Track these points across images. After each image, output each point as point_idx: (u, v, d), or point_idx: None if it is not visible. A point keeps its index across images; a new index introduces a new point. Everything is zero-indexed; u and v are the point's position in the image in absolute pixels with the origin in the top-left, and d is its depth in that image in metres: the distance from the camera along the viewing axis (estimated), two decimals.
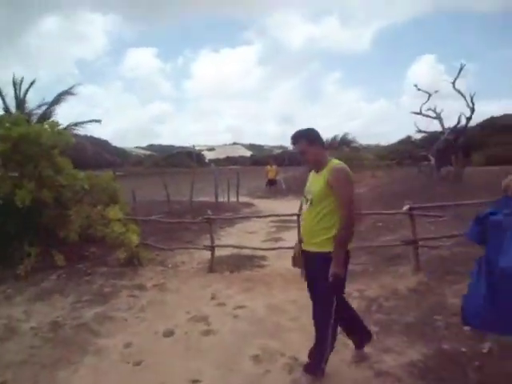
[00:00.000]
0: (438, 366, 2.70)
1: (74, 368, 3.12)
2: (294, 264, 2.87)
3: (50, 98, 14.66)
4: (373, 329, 3.49)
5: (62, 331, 3.74)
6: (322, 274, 2.47)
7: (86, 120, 15.12)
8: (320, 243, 2.51)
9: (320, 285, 2.54)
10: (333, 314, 2.54)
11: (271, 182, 18.55)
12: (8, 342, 3.51)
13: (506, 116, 38.79)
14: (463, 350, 2.86)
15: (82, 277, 5.28)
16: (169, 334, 3.65)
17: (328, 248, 2.46)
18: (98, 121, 15.48)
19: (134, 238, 5.70)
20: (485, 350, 2.81)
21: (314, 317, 2.68)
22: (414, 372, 2.72)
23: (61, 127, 6.95)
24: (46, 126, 6.68)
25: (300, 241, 2.78)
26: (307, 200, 2.59)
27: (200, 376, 2.91)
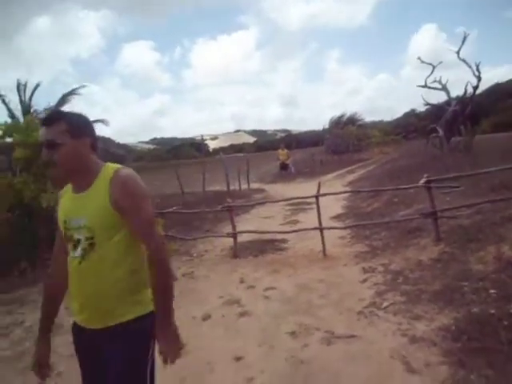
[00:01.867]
0: (470, 328, 2.82)
1: None
2: (40, 375, 1.59)
3: (48, 99, 14.78)
4: (400, 299, 3.65)
5: None
6: (136, 358, 1.44)
7: (92, 120, 15.22)
8: (124, 308, 1.45)
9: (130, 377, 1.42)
10: None
11: (283, 166, 18.49)
12: (56, 337, 3.71)
13: (510, 81, 38.26)
14: (492, 311, 2.98)
15: None
16: (206, 317, 3.84)
17: (141, 310, 1.48)
18: (104, 121, 15.63)
19: (160, 230, 5.85)
20: None
21: None
22: (447, 336, 2.85)
23: None
24: None
25: (44, 331, 1.60)
26: (74, 243, 1.45)
27: (243, 353, 3.08)
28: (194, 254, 6.23)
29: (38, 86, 14.96)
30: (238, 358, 3.02)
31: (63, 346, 3.55)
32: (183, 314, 4.00)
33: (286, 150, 19.02)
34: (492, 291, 3.32)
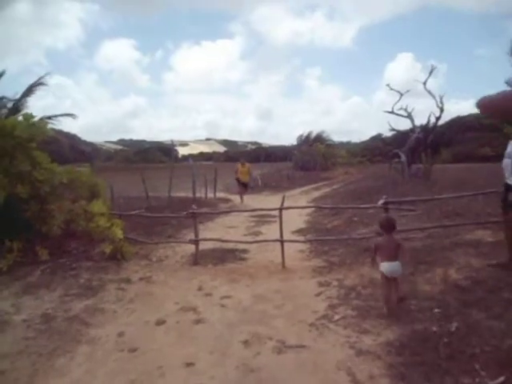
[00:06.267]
0: (413, 344, 2.99)
1: (70, 356, 3.23)
2: None
3: (16, 88, 14.19)
4: (351, 313, 3.79)
5: (54, 323, 3.82)
6: None
7: (58, 113, 14.78)
8: None
9: None
10: None
11: (243, 184, 14.51)
12: (2, 334, 3.57)
13: (470, 116, 40.65)
14: (434, 329, 3.17)
15: (67, 271, 5.31)
16: (160, 323, 3.81)
17: None
18: (72, 115, 15.19)
19: (119, 233, 5.77)
20: (453, 329, 3.13)
21: None
22: (391, 350, 3.00)
23: (36, 119, 6.82)
24: (21, 118, 6.57)
25: None
26: None
27: (194, 360, 3.09)
28: (154, 259, 6.16)
29: (2, 74, 14.29)
30: (189, 364, 3.03)
31: (8, 343, 3.44)
32: (136, 318, 3.97)
33: (247, 165, 14.69)
34: (436, 310, 3.53)
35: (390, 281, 3.67)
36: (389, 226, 3.75)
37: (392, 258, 3.60)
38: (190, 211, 6.04)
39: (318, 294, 4.43)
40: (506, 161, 4.11)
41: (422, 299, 3.78)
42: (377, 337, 3.26)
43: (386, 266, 3.62)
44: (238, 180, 14.56)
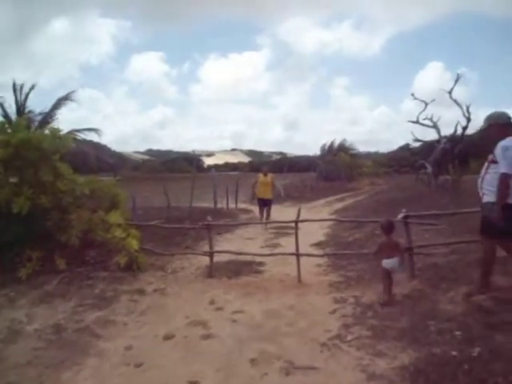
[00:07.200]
0: (429, 370, 2.79)
1: (77, 369, 3.22)
2: None
3: (51, 102, 14.82)
4: (366, 333, 3.61)
5: (65, 334, 3.83)
6: None
7: (85, 128, 15.39)
8: None
9: None
10: None
11: (264, 202, 10.97)
12: (13, 344, 3.60)
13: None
14: (454, 353, 2.95)
15: (84, 281, 5.36)
16: (169, 337, 3.75)
17: None
18: (97, 129, 15.72)
19: (134, 243, 5.78)
20: (474, 354, 2.91)
21: None
22: (405, 375, 2.81)
23: (62, 133, 7.00)
24: (47, 132, 6.75)
25: None
26: None
27: (199, 378, 3.00)
28: (169, 270, 6.14)
29: (32, 87, 14.91)
30: (193, 383, 2.94)
31: (18, 354, 3.46)
32: (146, 331, 3.94)
33: (270, 176, 11.22)
34: (457, 333, 3.30)
35: (388, 275, 4.29)
36: (389, 228, 4.37)
37: (391, 255, 4.29)
38: (205, 223, 6.00)
39: (333, 312, 4.26)
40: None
41: (442, 320, 3.56)
42: (392, 360, 3.08)
43: (385, 262, 4.29)
44: (254, 195, 11.54)
